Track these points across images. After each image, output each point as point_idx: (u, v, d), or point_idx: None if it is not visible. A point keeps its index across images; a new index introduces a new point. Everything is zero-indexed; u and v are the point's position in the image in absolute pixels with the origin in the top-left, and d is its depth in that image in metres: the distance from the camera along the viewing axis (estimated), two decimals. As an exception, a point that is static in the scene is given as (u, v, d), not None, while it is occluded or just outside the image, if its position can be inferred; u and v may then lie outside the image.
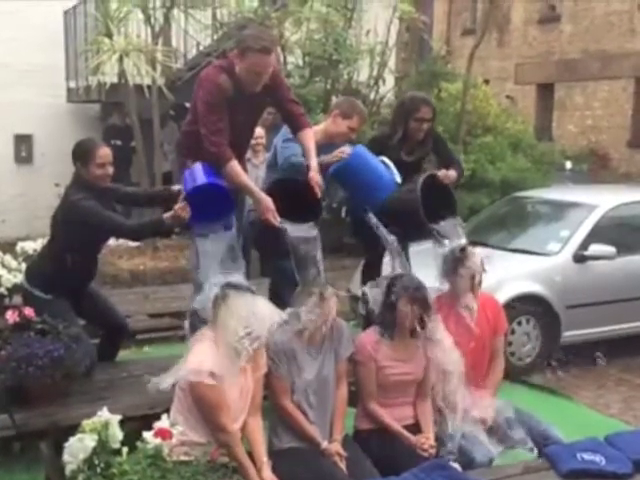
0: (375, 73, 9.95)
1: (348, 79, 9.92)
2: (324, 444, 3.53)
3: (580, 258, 6.25)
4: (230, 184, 3.95)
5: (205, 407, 3.15)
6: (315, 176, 3.99)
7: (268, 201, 3.89)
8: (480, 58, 12.57)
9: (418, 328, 3.78)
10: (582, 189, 8.82)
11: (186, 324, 3.59)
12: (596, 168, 14.51)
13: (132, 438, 3.06)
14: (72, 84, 11.03)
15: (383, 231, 4.38)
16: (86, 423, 3.01)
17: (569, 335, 6.17)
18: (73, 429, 3.03)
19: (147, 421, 3.23)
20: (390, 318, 3.84)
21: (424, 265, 4.32)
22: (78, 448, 2.92)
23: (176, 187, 4.09)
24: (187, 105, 6.94)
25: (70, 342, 3.75)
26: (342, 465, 3.49)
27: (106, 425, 3.00)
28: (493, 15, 13.82)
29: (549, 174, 10.84)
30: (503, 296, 5.57)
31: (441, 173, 4.48)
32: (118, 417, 3.06)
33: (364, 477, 3.46)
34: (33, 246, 5.75)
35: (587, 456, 3.52)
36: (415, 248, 5.01)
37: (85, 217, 3.95)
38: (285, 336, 3.58)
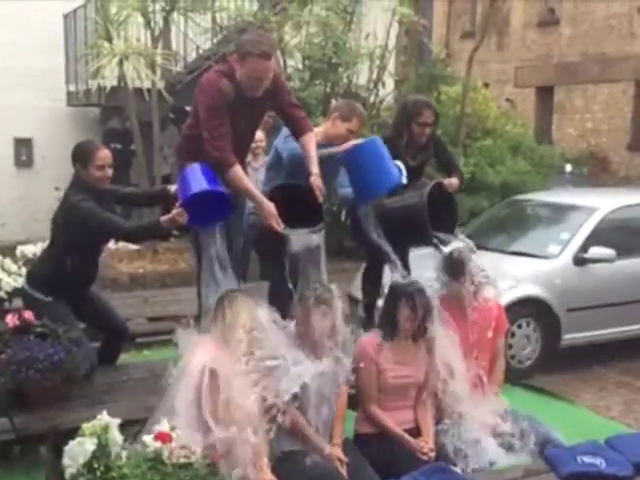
0: (375, 76, 9.96)
1: (348, 82, 9.93)
2: (326, 449, 3.53)
3: (580, 261, 6.25)
4: (232, 188, 3.95)
5: (204, 403, 3.16)
6: (316, 180, 3.99)
7: (271, 207, 3.88)
8: (480, 61, 12.58)
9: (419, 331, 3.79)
10: (582, 192, 8.82)
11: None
12: (596, 171, 14.53)
13: (132, 442, 3.05)
14: (72, 88, 11.04)
15: (388, 249, 4.38)
16: (86, 426, 3.00)
17: (569, 338, 6.16)
18: (73, 432, 3.02)
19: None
20: (391, 321, 3.84)
21: (425, 267, 4.33)
22: (78, 452, 2.92)
23: (173, 187, 4.09)
24: (187, 108, 6.94)
25: (70, 345, 3.76)
26: (343, 470, 3.48)
27: (106, 428, 2.99)
28: (492, 18, 13.86)
29: (549, 177, 10.85)
30: (503, 299, 5.56)
31: (446, 182, 4.51)
32: (118, 420, 3.05)
33: None
34: (33, 250, 5.75)
35: (587, 459, 3.51)
36: (416, 252, 5.02)
37: (84, 218, 3.95)
38: (285, 340, 3.58)
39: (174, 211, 3.71)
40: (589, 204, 6.80)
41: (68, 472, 2.93)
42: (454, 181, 4.60)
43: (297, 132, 4.18)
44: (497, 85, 16.75)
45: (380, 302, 5.05)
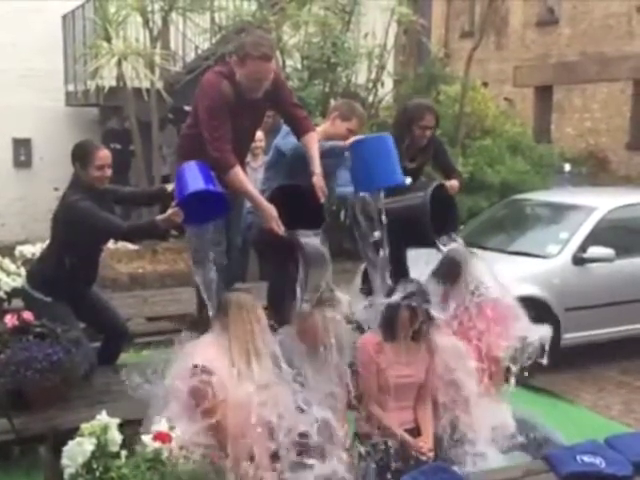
0: (373, 76, 9.97)
1: (346, 82, 9.93)
2: (328, 449, 3.52)
3: (579, 260, 6.25)
4: (232, 189, 3.95)
5: (202, 400, 3.15)
6: (319, 180, 3.98)
7: (271, 210, 3.87)
8: (478, 61, 12.58)
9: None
10: (581, 191, 8.82)
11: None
12: (595, 171, 14.54)
13: (131, 442, 3.05)
14: (71, 88, 11.04)
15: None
16: (85, 427, 3.00)
17: (569, 337, 6.16)
18: (72, 433, 3.02)
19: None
20: (392, 322, 3.84)
21: (426, 266, 4.33)
22: (77, 452, 2.92)
23: (170, 187, 4.09)
24: (186, 108, 6.95)
25: (69, 346, 3.75)
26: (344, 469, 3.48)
27: (105, 429, 2.99)
28: (491, 18, 13.86)
29: (548, 177, 10.85)
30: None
31: (447, 183, 4.51)
32: (117, 421, 3.05)
33: None
34: (32, 250, 5.74)
35: (587, 458, 3.51)
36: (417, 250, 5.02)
37: (81, 218, 3.95)
38: (288, 339, 3.59)
39: (170, 210, 3.71)
40: (588, 204, 6.80)
41: (67, 472, 2.93)
42: (455, 183, 4.62)
43: (299, 132, 4.18)
44: (496, 85, 16.75)
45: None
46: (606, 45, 15.56)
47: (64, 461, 2.94)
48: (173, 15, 9.35)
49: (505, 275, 5.72)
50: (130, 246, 8.48)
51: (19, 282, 5.13)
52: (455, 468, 3.55)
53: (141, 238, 5.16)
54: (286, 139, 4.39)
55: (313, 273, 3.87)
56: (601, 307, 6.27)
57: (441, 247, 4.29)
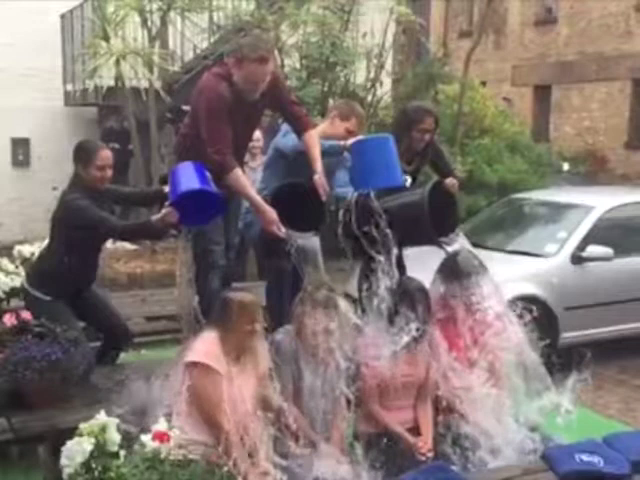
0: (372, 75, 9.96)
1: (345, 81, 9.93)
2: (326, 448, 3.53)
3: (577, 259, 6.25)
4: (232, 190, 3.96)
5: (200, 397, 3.17)
6: (320, 179, 3.98)
7: (272, 213, 3.87)
8: (477, 60, 12.59)
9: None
10: (579, 190, 8.82)
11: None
12: (593, 170, 14.56)
13: (130, 441, 3.05)
14: (69, 87, 11.03)
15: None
16: (84, 426, 3.00)
17: (567, 337, 6.16)
18: (71, 433, 3.02)
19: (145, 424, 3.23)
20: (392, 320, 3.84)
21: (427, 265, 4.33)
22: (76, 451, 2.91)
23: (167, 187, 4.09)
24: (184, 108, 6.94)
25: (68, 345, 3.75)
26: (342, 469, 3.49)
27: (104, 428, 2.99)
28: (490, 17, 13.85)
29: (546, 176, 10.86)
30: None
31: (448, 181, 4.51)
32: (116, 420, 3.05)
33: None
34: (30, 249, 5.74)
35: (586, 457, 3.51)
36: (418, 249, 5.01)
37: (78, 216, 3.96)
38: (288, 338, 3.59)
39: (164, 210, 3.71)
40: (586, 203, 6.80)
41: (66, 472, 2.93)
42: (455, 181, 4.61)
43: (299, 130, 4.18)
44: (494, 84, 16.76)
45: (376, 300, 5.07)
46: (604, 44, 15.57)
47: (63, 461, 2.94)
48: (171, 14, 9.33)
49: (504, 274, 5.76)
50: (129, 246, 8.49)
51: (18, 282, 5.13)
52: (454, 468, 3.55)
53: (137, 238, 5.16)
54: (285, 138, 4.39)
55: (310, 273, 3.88)
56: (600, 306, 6.27)
57: (444, 246, 4.29)
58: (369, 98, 9.95)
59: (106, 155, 4.10)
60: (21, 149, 11.48)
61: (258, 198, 3.99)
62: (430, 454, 3.70)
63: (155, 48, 8.97)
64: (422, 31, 11.00)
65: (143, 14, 8.83)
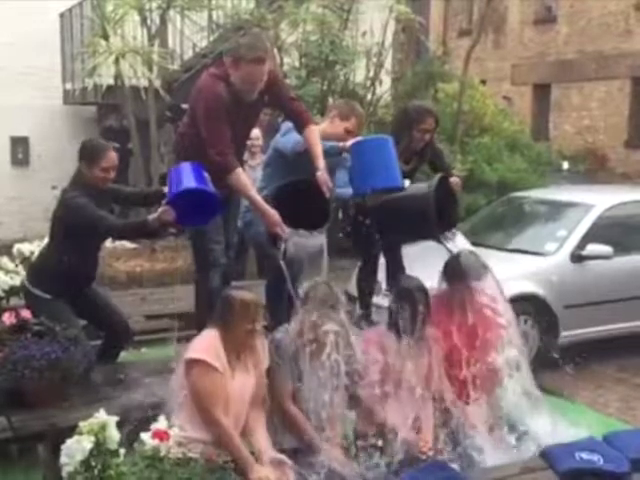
0: (371, 74, 9.95)
1: (344, 80, 9.92)
2: (326, 447, 3.53)
3: (577, 258, 6.25)
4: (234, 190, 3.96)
5: (200, 395, 3.17)
6: (323, 176, 3.97)
7: (274, 215, 3.87)
8: (477, 59, 12.59)
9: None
10: (579, 189, 8.82)
11: None
12: (593, 168, 14.54)
13: (129, 439, 3.05)
14: (68, 86, 11.02)
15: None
16: (83, 425, 3.00)
17: (567, 335, 6.17)
18: (71, 431, 3.02)
19: (145, 422, 3.23)
20: (394, 319, 3.84)
21: (428, 263, 4.34)
22: (75, 450, 2.91)
23: (166, 188, 4.09)
24: (183, 106, 6.94)
25: (68, 344, 3.75)
26: (342, 468, 3.49)
27: (103, 427, 2.99)
28: (489, 16, 13.84)
29: (546, 174, 10.85)
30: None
31: (453, 180, 4.51)
32: (115, 418, 3.05)
33: None
34: (30, 248, 5.74)
35: (585, 455, 3.52)
36: (418, 247, 5.01)
37: (76, 214, 3.96)
38: (288, 337, 3.59)
39: (160, 209, 3.71)
40: (586, 201, 6.80)
41: (65, 470, 2.93)
42: (458, 180, 4.62)
43: (299, 125, 4.18)
44: (494, 83, 16.75)
45: (375, 299, 5.09)
46: (604, 43, 15.56)
47: (63, 459, 2.94)
48: (171, 13, 9.33)
49: (503, 273, 5.77)
50: (128, 244, 8.47)
51: (17, 280, 5.13)
52: (454, 466, 3.56)
53: (134, 236, 5.16)
54: (286, 137, 4.39)
55: (311, 272, 3.87)
56: (599, 304, 6.27)
57: (446, 244, 4.29)
58: (369, 97, 9.95)
59: (112, 157, 4.11)
60: (20, 148, 11.47)
61: (260, 200, 3.98)
62: (431, 452, 3.70)
63: (154, 47, 8.96)
64: (422, 30, 10.98)
65: (142, 13, 8.82)
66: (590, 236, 6.35)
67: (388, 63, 10.83)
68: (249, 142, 5.60)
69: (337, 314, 3.61)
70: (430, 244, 4.44)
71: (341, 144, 4.28)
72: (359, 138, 4.32)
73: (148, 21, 8.96)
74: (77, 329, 4.05)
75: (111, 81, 8.87)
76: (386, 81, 10.66)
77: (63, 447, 2.95)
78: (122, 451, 2.99)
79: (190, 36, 10.17)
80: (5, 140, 11.29)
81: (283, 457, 3.26)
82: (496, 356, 4.18)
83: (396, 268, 4.88)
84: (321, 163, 4.01)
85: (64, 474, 2.94)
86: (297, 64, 9.81)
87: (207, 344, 3.26)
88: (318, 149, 4.07)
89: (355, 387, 3.80)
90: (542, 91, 17.08)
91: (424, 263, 4.56)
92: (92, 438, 2.93)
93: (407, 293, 3.86)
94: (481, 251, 4.94)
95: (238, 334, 3.29)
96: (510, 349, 4.15)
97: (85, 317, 4.39)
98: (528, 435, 4.01)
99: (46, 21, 10.59)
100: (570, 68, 16.28)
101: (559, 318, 6.10)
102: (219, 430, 3.16)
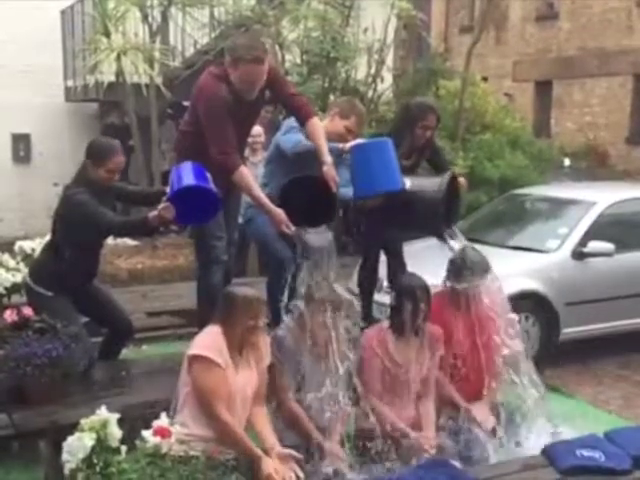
0: (373, 71, 9.94)
1: (346, 77, 9.91)
2: (327, 445, 3.53)
3: (579, 255, 6.24)
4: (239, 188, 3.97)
5: (203, 391, 3.18)
6: (330, 170, 3.96)
7: (279, 213, 3.87)
8: (478, 56, 12.55)
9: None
10: (580, 186, 8.81)
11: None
12: (594, 165, 14.52)
13: (131, 437, 3.05)
14: (70, 83, 11.02)
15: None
16: (85, 422, 3.00)
17: (568, 332, 6.16)
18: (72, 428, 3.02)
19: (146, 420, 3.23)
20: (396, 317, 3.85)
21: (429, 260, 4.34)
22: (77, 447, 2.92)
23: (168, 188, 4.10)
24: (185, 103, 6.94)
25: (69, 341, 3.75)
26: (343, 467, 3.49)
27: (105, 424, 2.99)
28: (491, 13, 13.81)
29: (547, 171, 10.83)
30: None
31: (461, 180, 4.52)
32: (117, 416, 3.05)
33: None
34: (31, 245, 5.73)
35: (586, 452, 3.52)
36: (421, 244, 5.00)
37: (76, 211, 3.96)
38: (290, 335, 3.59)
39: (160, 206, 3.71)
40: (587, 198, 6.79)
41: (67, 467, 2.94)
42: (465, 181, 4.65)
43: (302, 119, 4.17)
44: (495, 79, 16.72)
45: (377, 296, 5.09)
46: (606, 40, 15.54)
47: (64, 456, 2.94)
48: (172, 10, 9.32)
49: (505, 270, 5.77)
50: (129, 242, 8.47)
51: (19, 278, 5.13)
52: (455, 463, 3.56)
53: (134, 234, 5.16)
54: (286, 135, 4.38)
55: (316, 270, 3.87)
56: (601, 302, 6.26)
57: (449, 241, 4.30)
58: (370, 94, 9.94)
59: (120, 161, 4.12)
60: (22, 145, 11.46)
61: (265, 199, 3.98)
62: (433, 450, 3.70)
63: (156, 44, 8.96)
64: (423, 26, 10.94)
65: (144, 9, 8.82)
66: (591, 233, 6.34)
67: (389, 60, 10.82)
68: (251, 139, 5.60)
69: (339, 313, 3.61)
70: (429, 242, 4.44)
71: (341, 145, 4.27)
72: (359, 140, 4.30)
73: (149, 18, 8.96)
74: (78, 326, 4.06)
75: (112, 78, 8.86)
76: (387, 78, 10.65)
77: (65, 444, 2.95)
78: (124, 448, 3.00)
79: (191, 33, 10.16)
80: (7, 137, 11.29)
81: (291, 451, 3.26)
82: (499, 353, 4.19)
83: (397, 265, 4.89)
84: (327, 157, 3.99)
85: (66, 471, 2.94)
86: (298, 61, 9.80)
87: (210, 341, 3.26)
88: (322, 142, 4.05)
89: (356, 384, 3.81)
90: (544, 88, 17.06)
91: (424, 261, 4.57)
92: (93, 435, 2.94)
93: (408, 290, 3.85)
94: (482, 248, 4.93)
95: (240, 331, 3.30)
96: (512, 347, 4.15)
97: (87, 314, 4.39)
98: (529, 432, 4.02)
99: (47, 18, 10.58)
100: (572, 65, 16.26)
101: (560, 315, 6.10)
102: (223, 426, 3.16)
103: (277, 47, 9.20)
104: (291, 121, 4.42)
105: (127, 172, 10.09)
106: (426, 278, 4.02)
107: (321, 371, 3.61)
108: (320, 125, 4.16)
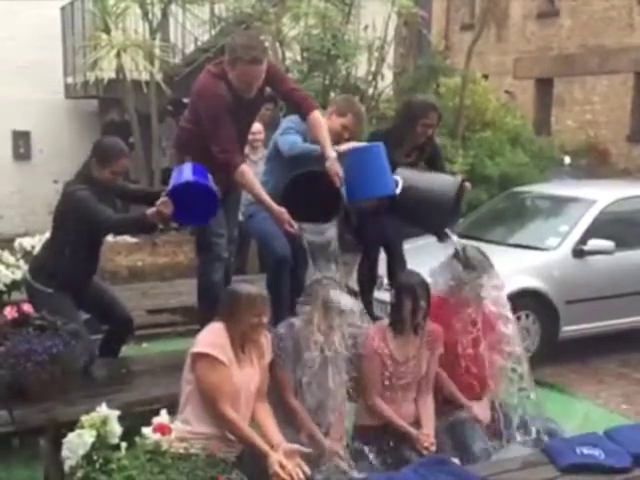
0: (373, 68, 9.92)
1: (346, 74, 9.89)
2: (327, 443, 3.53)
3: (579, 253, 6.24)
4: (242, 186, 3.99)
5: (207, 389, 3.18)
6: (334, 165, 3.95)
7: (281, 211, 3.87)
8: (479, 53, 12.55)
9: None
10: (581, 184, 8.81)
11: None
12: (595, 163, 14.51)
13: (131, 434, 3.06)
14: (70, 80, 11.00)
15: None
16: (85, 419, 3.00)
17: (568, 330, 6.17)
18: (72, 425, 3.02)
19: (146, 417, 3.23)
20: (397, 315, 3.85)
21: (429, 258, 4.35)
22: (77, 444, 2.92)
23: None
24: (185, 100, 6.93)
25: (69, 338, 3.75)
26: (342, 464, 3.49)
27: (105, 421, 3.00)
28: (492, 10, 13.80)
29: (548, 169, 10.82)
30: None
31: (467, 185, 4.54)
32: (117, 412, 3.05)
33: None
34: (31, 242, 5.73)
35: (586, 450, 3.51)
36: (419, 243, 4.99)
37: (75, 207, 3.96)
38: (289, 332, 3.59)
39: (159, 201, 3.71)
40: (588, 196, 6.79)
41: (67, 464, 2.94)
42: (470, 186, 4.66)
43: (303, 113, 4.16)
44: (496, 77, 16.71)
45: (377, 293, 5.09)
46: (607, 37, 15.52)
47: (64, 453, 2.94)
48: (172, 7, 9.31)
49: (505, 268, 5.77)
50: (129, 239, 8.47)
51: (18, 274, 5.13)
52: (455, 460, 3.56)
53: (133, 231, 5.16)
54: (284, 137, 4.38)
55: (319, 267, 3.86)
56: (601, 299, 6.27)
57: (453, 238, 4.30)
58: (370, 91, 9.92)
59: (124, 164, 4.12)
60: (22, 142, 11.45)
61: (267, 198, 3.97)
62: (432, 447, 3.70)
63: (156, 40, 8.95)
64: (424, 24, 10.92)
65: (144, 6, 8.79)
66: (592, 231, 6.34)
67: (390, 57, 10.80)
68: (251, 136, 5.60)
69: (340, 311, 3.61)
70: (427, 240, 4.45)
71: (335, 148, 4.28)
72: (351, 145, 4.28)
73: (150, 15, 8.93)
74: (78, 323, 4.06)
75: (113, 75, 8.85)
76: (388, 75, 10.64)
77: (65, 441, 2.96)
78: (124, 445, 3.00)
79: (192, 30, 10.15)
80: (7, 134, 11.28)
81: (297, 446, 3.26)
82: (499, 352, 4.19)
83: (397, 263, 4.89)
84: (330, 152, 3.97)
85: (66, 468, 2.94)
86: (299, 58, 9.78)
87: (213, 338, 3.26)
88: (324, 136, 4.03)
89: (355, 381, 3.82)
90: (544, 85, 17.05)
91: (424, 258, 4.56)
92: (94, 432, 2.94)
93: (408, 288, 3.85)
94: (483, 246, 4.94)
95: (244, 328, 3.30)
96: (512, 345, 4.15)
97: (88, 310, 4.39)
98: (530, 430, 4.02)
99: (47, 15, 10.57)
100: (572, 62, 16.24)
101: (560, 313, 6.10)
102: (228, 423, 3.17)
103: (277, 44, 9.19)
104: (288, 121, 4.42)
105: (127, 169, 10.10)
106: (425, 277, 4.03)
107: (321, 368, 3.61)
108: (322, 119, 4.15)
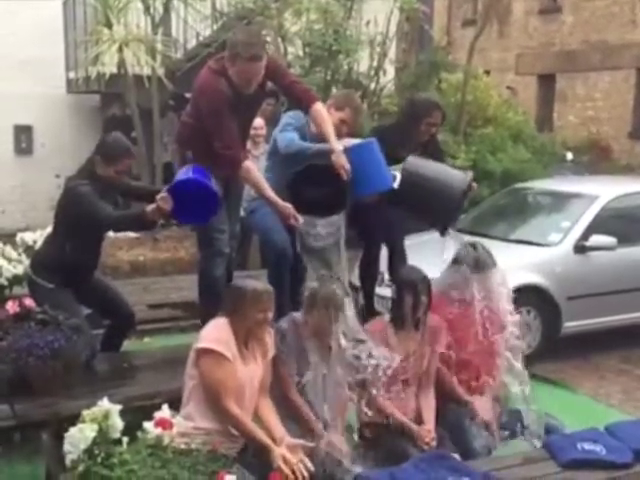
0: (375, 64, 9.91)
1: (348, 70, 9.88)
2: (328, 438, 3.53)
3: (581, 249, 6.24)
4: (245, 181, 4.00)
5: (211, 384, 3.18)
6: (339, 159, 3.93)
7: (286, 207, 3.87)
8: (481, 49, 12.53)
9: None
10: (583, 180, 8.80)
11: None
12: (597, 159, 14.48)
13: (133, 428, 3.06)
14: (72, 75, 11.00)
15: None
16: (86, 413, 3.00)
17: (570, 326, 6.17)
18: (74, 419, 3.02)
19: (148, 411, 3.23)
20: (398, 310, 3.85)
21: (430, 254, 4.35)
22: (79, 438, 2.92)
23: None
24: (187, 95, 6.93)
25: (71, 333, 3.76)
26: (344, 460, 3.49)
27: (106, 415, 3.00)
28: (494, 6, 13.77)
29: (550, 165, 10.81)
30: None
31: (474, 185, 4.57)
32: (118, 407, 3.06)
33: None
34: (33, 237, 5.73)
35: (587, 446, 3.52)
36: (419, 239, 4.99)
37: (75, 202, 3.96)
38: (292, 328, 3.59)
39: (158, 196, 3.71)
40: (590, 192, 6.78)
41: (69, 458, 2.93)
42: (476, 186, 4.68)
43: (305, 106, 4.17)
44: (498, 73, 16.69)
45: (378, 289, 5.09)
46: (609, 33, 15.50)
47: (66, 447, 2.94)
48: (174, 2, 9.31)
49: (507, 263, 5.76)
50: (131, 234, 8.47)
51: (20, 269, 5.13)
52: (456, 456, 3.56)
53: (132, 228, 5.17)
54: (281, 134, 4.38)
55: (325, 263, 3.87)
56: (603, 295, 6.26)
57: (458, 234, 4.31)
58: (372, 86, 9.92)
59: (129, 164, 4.14)
60: (24, 136, 11.45)
61: (272, 193, 3.97)
62: (433, 443, 3.71)
63: (158, 35, 8.95)
64: (425, 19, 10.91)
65: (146, 1, 8.80)
66: (594, 227, 6.34)
67: (392, 53, 10.79)
68: (253, 131, 5.60)
69: (342, 306, 3.60)
70: (429, 236, 4.45)
71: (327, 147, 4.28)
72: (351, 140, 4.27)
73: (151, 9, 8.94)
74: (80, 318, 4.06)
75: (114, 70, 8.84)
76: (390, 71, 10.63)
77: (66, 435, 2.95)
78: (125, 439, 3.00)
79: (193, 25, 10.14)
80: (9, 129, 11.28)
81: (300, 441, 3.26)
82: (501, 348, 4.19)
83: (398, 259, 4.89)
84: (336, 144, 3.96)
85: (67, 462, 2.94)
86: (301, 53, 9.77)
87: (218, 334, 3.25)
88: (328, 128, 4.03)
89: (359, 378, 3.81)
90: (546, 81, 17.03)
91: (424, 255, 4.56)
92: (95, 427, 2.94)
93: (409, 283, 3.85)
94: (485, 242, 4.94)
95: (249, 324, 3.29)
96: (514, 340, 4.15)
97: (90, 305, 4.39)
98: (531, 426, 4.02)
99: (49, 9, 10.54)
100: (575, 58, 16.22)
101: (562, 309, 6.10)
102: (232, 419, 3.17)
103: (279, 40, 9.18)
104: (287, 117, 4.42)
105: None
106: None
107: (323, 363, 3.61)
108: (324, 111, 4.15)
